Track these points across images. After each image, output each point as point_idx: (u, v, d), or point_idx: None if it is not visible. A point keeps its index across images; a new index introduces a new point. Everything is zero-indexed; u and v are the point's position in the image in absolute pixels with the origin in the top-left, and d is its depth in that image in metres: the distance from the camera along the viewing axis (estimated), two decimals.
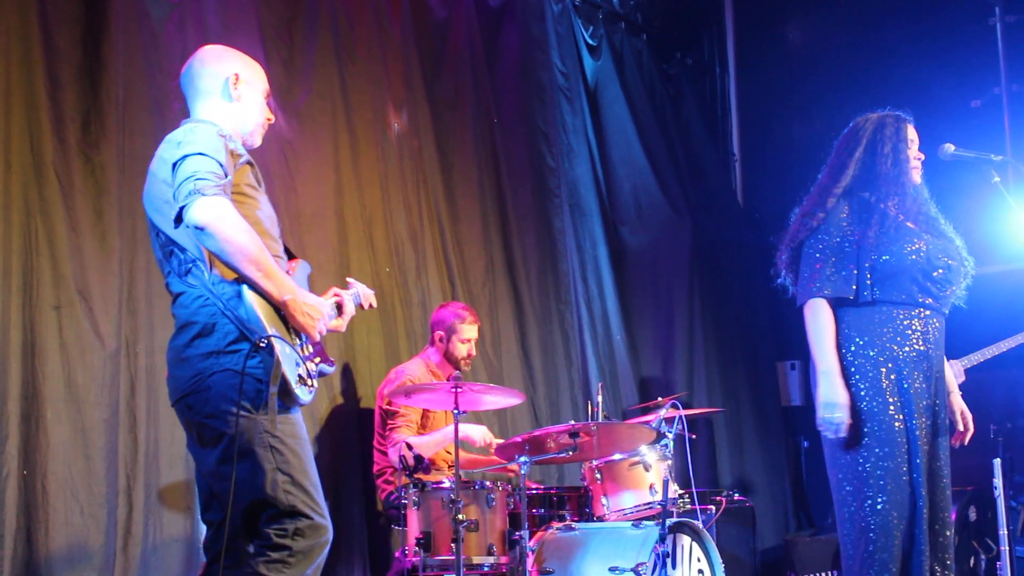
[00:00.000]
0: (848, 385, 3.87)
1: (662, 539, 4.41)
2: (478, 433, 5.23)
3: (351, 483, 5.46)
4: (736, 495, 6.47)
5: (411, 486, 4.64)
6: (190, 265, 3.18)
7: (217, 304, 3.10)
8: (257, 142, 3.51)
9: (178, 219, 3.06)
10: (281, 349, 3.06)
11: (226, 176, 3.12)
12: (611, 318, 7.47)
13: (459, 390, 4.51)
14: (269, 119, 3.53)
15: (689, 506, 5.33)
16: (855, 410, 3.85)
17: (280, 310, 3.16)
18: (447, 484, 4.61)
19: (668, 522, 4.48)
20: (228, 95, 3.40)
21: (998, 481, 5.00)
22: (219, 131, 3.23)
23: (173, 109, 4.94)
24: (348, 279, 3.81)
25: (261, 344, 3.01)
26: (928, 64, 7.52)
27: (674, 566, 4.63)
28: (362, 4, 6.05)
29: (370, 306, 3.84)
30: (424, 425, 5.35)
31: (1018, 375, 5.26)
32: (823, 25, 8.68)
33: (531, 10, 7.24)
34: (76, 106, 4.62)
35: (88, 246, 4.56)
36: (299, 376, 3.13)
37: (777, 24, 9.00)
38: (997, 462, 5.02)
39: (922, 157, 4.11)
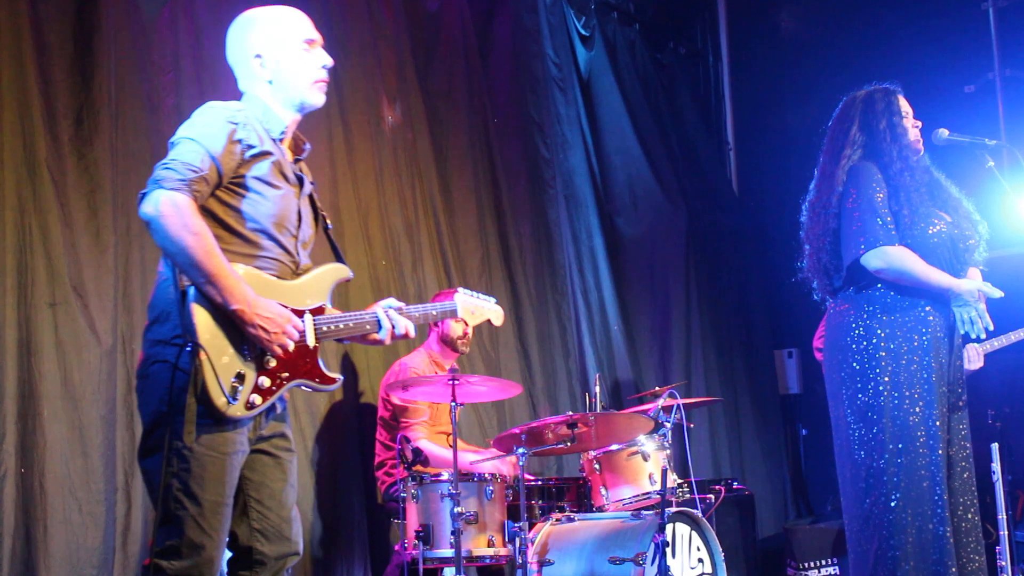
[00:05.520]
0: (867, 380, 3.86)
1: (661, 529, 4.40)
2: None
3: (350, 476, 5.46)
4: (735, 484, 6.47)
5: (410, 479, 4.64)
6: None
7: (176, 295, 2.97)
8: (316, 100, 3.28)
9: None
10: (216, 358, 2.94)
11: (217, 168, 2.99)
12: (608, 308, 7.47)
13: (456, 382, 4.50)
14: (324, 66, 3.28)
15: (688, 495, 5.33)
16: (871, 406, 3.85)
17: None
18: (446, 477, 4.61)
19: (667, 511, 4.48)
20: (260, 78, 3.24)
21: (996, 466, 5.00)
22: (230, 117, 3.08)
23: (166, 104, 4.93)
24: (460, 288, 3.66)
25: (187, 348, 2.90)
26: (921, 50, 7.51)
27: (674, 555, 4.63)
28: None
29: (488, 322, 3.68)
30: (430, 418, 5.35)
31: (1017, 360, 5.25)
32: (815, 12, 8.67)
33: (523, 1, 7.22)
34: (68, 103, 4.60)
35: (82, 243, 4.54)
36: (232, 387, 2.96)
37: (769, 11, 8.99)
38: (995, 447, 5.02)
39: (919, 125, 4.10)
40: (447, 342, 5.46)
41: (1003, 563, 4.99)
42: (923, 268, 3.86)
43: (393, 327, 3.29)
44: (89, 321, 4.49)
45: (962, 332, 3.94)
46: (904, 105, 4.08)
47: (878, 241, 3.86)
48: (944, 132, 4.19)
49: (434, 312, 3.50)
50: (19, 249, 4.35)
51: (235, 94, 5.26)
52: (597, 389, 5.64)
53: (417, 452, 4.59)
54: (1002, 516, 4.98)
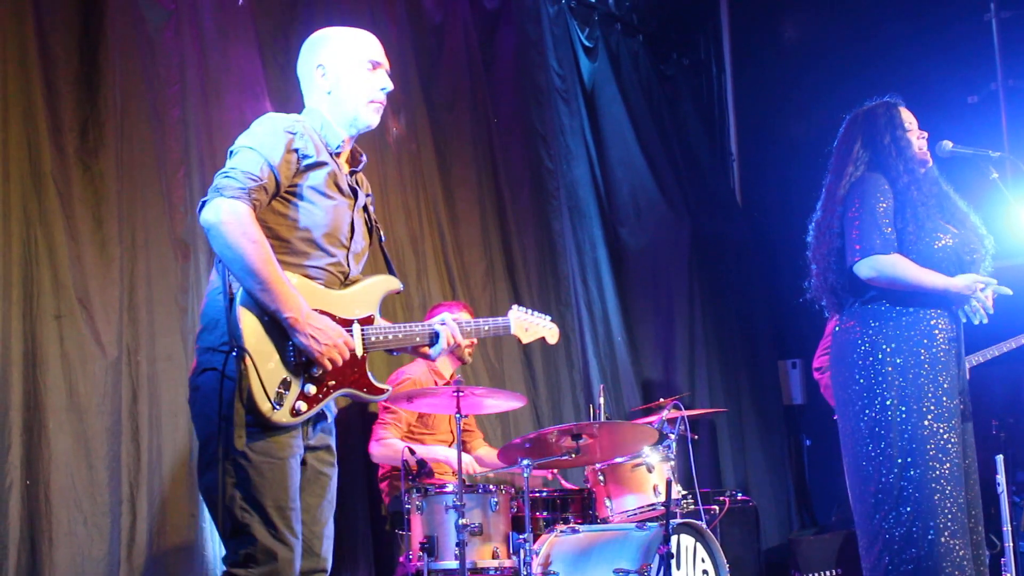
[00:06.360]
0: (873, 396, 3.86)
1: (666, 540, 4.40)
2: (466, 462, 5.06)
3: (355, 488, 5.45)
4: (739, 495, 6.46)
5: (415, 490, 4.64)
6: (218, 258, 3.07)
7: (225, 302, 3.01)
8: (370, 120, 3.29)
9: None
10: (261, 364, 2.95)
11: (275, 177, 3.04)
12: (611, 319, 7.47)
13: (461, 394, 4.50)
14: (383, 89, 3.30)
15: (692, 507, 5.33)
16: (879, 422, 3.85)
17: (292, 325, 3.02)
18: (450, 488, 4.61)
19: (672, 523, 4.48)
20: (320, 88, 3.28)
21: (1001, 477, 4.99)
22: (288, 127, 3.12)
23: (171, 116, 4.94)
24: (514, 305, 3.69)
25: (232, 353, 2.92)
26: (924, 61, 7.52)
27: (678, 567, 4.62)
28: (358, 8, 6.05)
29: (543, 340, 3.72)
30: (426, 424, 5.35)
31: (1020, 371, 5.25)
32: (819, 22, 8.69)
33: (527, 12, 7.24)
34: (74, 114, 4.61)
35: (88, 255, 4.55)
36: (278, 393, 2.98)
37: (773, 23, 9.01)
38: (1000, 458, 5.01)
39: (925, 135, 4.10)
40: (454, 351, 5.45)
41: (1008, 575, 4.98)
42: (915, 272, 3.85)
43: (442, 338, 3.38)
44: (94, 333, 4.50)
45: (964, 321, 3.93)
46: (908, 117, 4.08)
47: (872, 250, 3.85)
48: (948, 144, 4.19)
49: (486, 327, 3.55)
50: (25, 261, 4.36)
51: (238, 107, 5.32)
52: (601, 400, 5.64)
53: (422, 464, 4.59)
54: (1007, 527, 4.97)
